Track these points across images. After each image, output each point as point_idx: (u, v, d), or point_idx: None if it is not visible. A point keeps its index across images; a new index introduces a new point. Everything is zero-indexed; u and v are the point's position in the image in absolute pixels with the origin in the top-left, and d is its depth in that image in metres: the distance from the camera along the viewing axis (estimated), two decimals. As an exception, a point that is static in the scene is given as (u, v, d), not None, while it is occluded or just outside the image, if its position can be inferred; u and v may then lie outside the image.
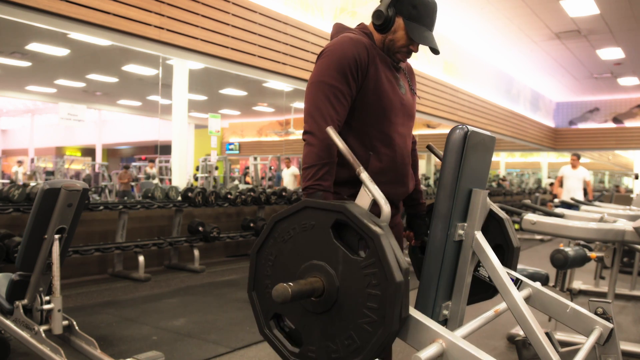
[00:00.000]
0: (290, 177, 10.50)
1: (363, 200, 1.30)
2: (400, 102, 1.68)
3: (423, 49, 1.70)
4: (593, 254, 3.18)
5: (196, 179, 12.85)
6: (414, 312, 1.30)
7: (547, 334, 1.55)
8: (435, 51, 1.65)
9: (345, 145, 1.37)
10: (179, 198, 5.99)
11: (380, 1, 1.66)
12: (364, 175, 1.31)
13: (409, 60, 1.83)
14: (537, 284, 1.69)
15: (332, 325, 1.24)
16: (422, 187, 6.13)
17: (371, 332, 1.19)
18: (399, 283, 1.15)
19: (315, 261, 1.26)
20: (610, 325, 1.63)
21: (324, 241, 1.25)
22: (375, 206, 1.28)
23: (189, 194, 5.93)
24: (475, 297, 1.76)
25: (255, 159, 13.62)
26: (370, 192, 1.29)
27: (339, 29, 1.71)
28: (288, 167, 10.75)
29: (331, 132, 1.39)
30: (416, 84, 1.86)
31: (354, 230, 1.23)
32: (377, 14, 1.61)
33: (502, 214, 1.75)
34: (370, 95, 1.60)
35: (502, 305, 1.59)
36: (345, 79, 1.55)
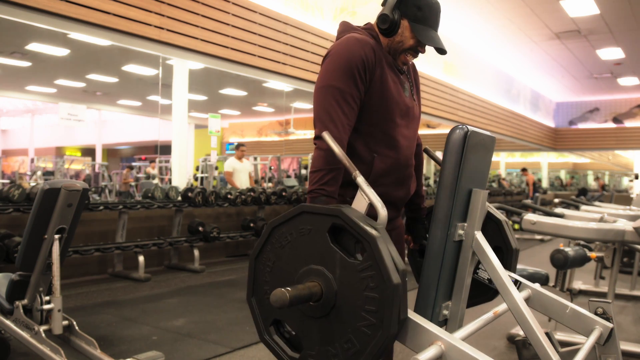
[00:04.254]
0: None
1: (360, 204, 1.30)
2: (405, 105, 1.67)
3: (427, 49, 1.70)
4: (593, 254, 3.18)
5: (196, 179, 12.80)
6: (412, 315, 1.30)
7: (547, 334, 1.55)
8: (442, 51, 1.65)
9: (341, 150, 1.37)
10: (179, 198, 5.99)
11: (383, 4, 1.65)
12: (360, 179, 1.31)
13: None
14: (536, 285, 1.69)
15: (331, 329, 1.25)
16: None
17: (370, 335, 1.19)
18: (396, 285, 1.15)
19: (313, 266, 1.26)
20: (610, 325, 1.63)
21: (321, 245, 1.25)
22: (372, 209, 1.28)
23: (189, 194, 5.93)
24: (474, 300, 1.76)
25: (255, 159, 13.62)
26: (367, 195, 1.29)
27: (345, 27, 1.70)
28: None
29: (327, 137, 1.40)
30: (419, 81, 1.86)
31: (351, 234, 1.23)
32: (382, 17, 1.60)
33: (500, 216, 1.75)
34: (376, 97, 1.59)
35: (502, 307, 1.59)
36: (354, 81, 1.53)
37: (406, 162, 1.70)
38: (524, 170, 15.63)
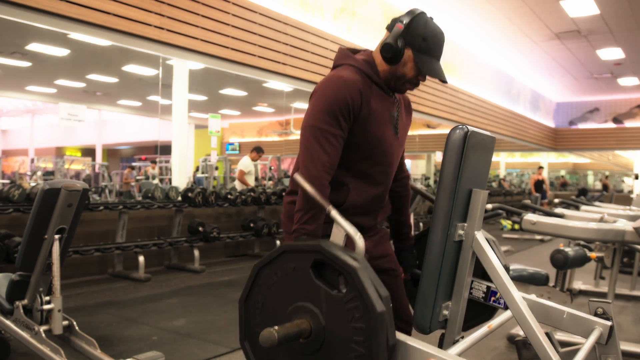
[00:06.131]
0: None
1: (337, 236, 1.34)
2: (389, 142, 1.69)
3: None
4: (593, 254, 3.18)
5: (197, 181, 12.70)
6: (401, 337, 1.32)
7: (547, 334, 1.55)
8: (443, 82, 1.68)
9: (313, 189, 1.44)
10: (179, 198, 5.98)
11: (388, 29, 1.65)
12: (334, 213, 1.36)
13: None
14: (532, 296, 1.70)
15: None
16: (422, 187, 6.12)
17: None
18: (381, 313, 1.17)
19: (300, 302, 1.28)
20: (609, 323, 1.63)
21: (305, 282, 1.27)
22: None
23: (189, 194, 5.93)
24: (472, 322, 1.76)
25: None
26: (343, 227, 1.33)
27: (341, 56, 1.71)
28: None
29: (299, 178, 1.47)
30: (412, 113, 1.87)
31: (333, 267, 1.25)
32: (386, 47, 1.60)
33: (488, 235, 1.78)
34: (358, 136, 1.62)
35: (496, 322, 1.60)
36: (337, 121, 1.56)
37: (381, 196, 1.73)
38: (540, 167, 15.39)
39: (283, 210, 1.77)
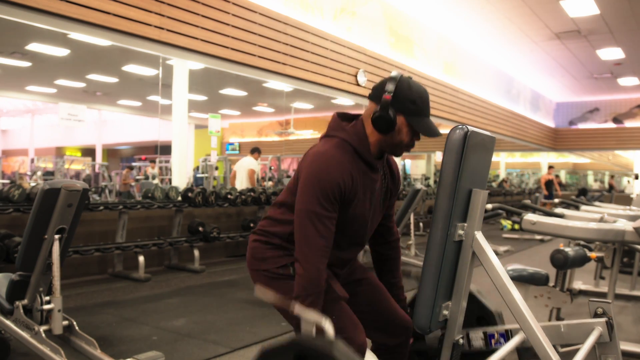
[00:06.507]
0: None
1: (307, 328, 1.42)
2: (364, 218, 1.72)
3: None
4: (593, 254, 3.18)
5: (199, 184, 12.69)
6: None
7: (547, 334, 1.55)
8: (439, 136, 1.70)
9: (282, 299, 1.53)
10: (179, 198, 5.98)
11: (372, 99, 1.66)
12: (297, 308, 1.44)
13: None
14: None
15: None
16: (422, 186, 6.12)
17: None
18: None
19: None
20: (605, 320, 1.63)
21: None
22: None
23: (189, 194, 5.93)
24: None
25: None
26: (310, 320, 1.40)
27: (334, 126, 1.72)
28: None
29: (259, 292, 1.57)
30: (399, 180, 1.88)
31: (313, 357, 1.28)
32: (380, 120, 1.62)
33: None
34: (340, 215, 1.66)
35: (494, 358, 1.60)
36: (331, 204, 1.60)
37: (349, 258, 1.80)
38: (550, 167, 15.42)
39: (248, 247, 1.79)
